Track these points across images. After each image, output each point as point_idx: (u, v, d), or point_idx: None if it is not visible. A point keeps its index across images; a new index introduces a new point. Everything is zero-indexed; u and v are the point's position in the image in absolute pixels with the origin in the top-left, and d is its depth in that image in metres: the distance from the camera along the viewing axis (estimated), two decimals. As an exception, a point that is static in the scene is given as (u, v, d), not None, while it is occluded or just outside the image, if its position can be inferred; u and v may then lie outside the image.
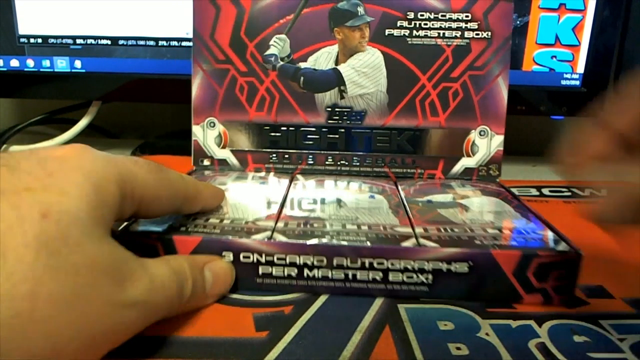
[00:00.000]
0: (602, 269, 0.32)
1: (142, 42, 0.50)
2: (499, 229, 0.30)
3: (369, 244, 0.27)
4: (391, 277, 0.27)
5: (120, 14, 0.49)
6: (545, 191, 0.47)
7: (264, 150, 0.40)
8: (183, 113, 0.46)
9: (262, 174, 0.40)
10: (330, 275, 0.27)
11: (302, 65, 0.40)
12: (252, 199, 0.34)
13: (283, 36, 0.40)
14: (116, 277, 0.20)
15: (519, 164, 0.58)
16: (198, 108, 0.40)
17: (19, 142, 0.54)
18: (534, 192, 0.47)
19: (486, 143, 0.40)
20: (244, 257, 0.27)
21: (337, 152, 0.40)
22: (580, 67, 0.52)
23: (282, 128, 0.40)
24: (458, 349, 0.24)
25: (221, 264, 0.27)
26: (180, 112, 0.46)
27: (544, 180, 0.50)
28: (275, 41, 0.40)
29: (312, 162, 0.40)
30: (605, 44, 0.51)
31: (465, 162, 0.40)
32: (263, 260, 0.27)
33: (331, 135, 0.40)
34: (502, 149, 0.40)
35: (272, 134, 0.40)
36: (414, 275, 0.27)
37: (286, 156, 0.40)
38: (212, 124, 0.40)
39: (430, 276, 0.27)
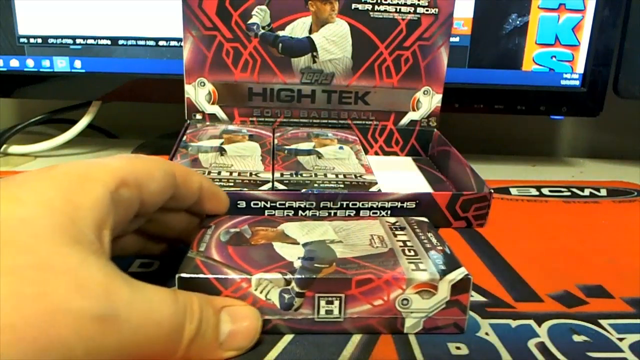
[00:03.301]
0: (601, 269, 0.32)
1: (142, 42, 0.50)
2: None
3: (346, 191, 0.36)
4: (361, 213, 0.36)
5: (120, 14, 0.49)
6: (545, 191, 0.47)
7: (248, 106, 0.47)
8: (183, 113, 0.46)
9: (248, 127, 0.47)
10: (317, 214, 0.36)
11: (281, 33, 0.45)
12: (248, 151, 0.42)
13: (264, 7, 0.44)
14: (76, 283, 0.18)
15: (519, 164, 0.58)
16: (189, 69, 0.45)
17: (18, 142, 0.54)
18: (534, 192, 0.47)
19: (428, 100, 0.48)
20: (253, 204, 0.35)
21: (309, 108, 0.48)
22: (580, 67, 0.52)
23: (263, 87, 0.46)
24: (458, 348, 0.24)
25: (245, 310, 0.23)
26: (180, 112, 0.47)
27: (543, 180, 0.51)
28: (257, 11, 0.44)
29: (289, 115, 0.48)
30: (605, 44, 0.51)
31: (411, 116, 0.49)
32: (268, 205, 0.35)
33: (305, 94, 0.47)
34: (440, 105, 0.48)
35: (255, 92, 0.46)
36: (378, 212, 0.36)
37: (267, 111, 0.47)
38: (202, 84, 0.46)
39: (389, 212, 0.37)
